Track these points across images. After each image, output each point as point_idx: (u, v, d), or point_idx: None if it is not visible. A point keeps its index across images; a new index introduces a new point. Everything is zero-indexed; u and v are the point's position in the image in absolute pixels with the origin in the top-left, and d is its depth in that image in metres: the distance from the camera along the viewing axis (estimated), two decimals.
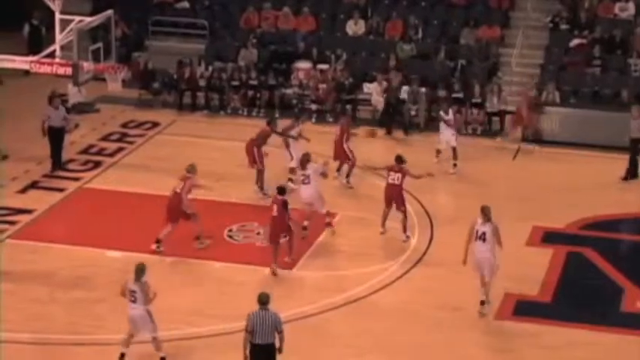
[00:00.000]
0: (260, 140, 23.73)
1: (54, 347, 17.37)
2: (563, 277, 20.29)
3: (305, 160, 21.99)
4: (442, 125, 25.91)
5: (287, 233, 20.35)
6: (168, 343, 17.41)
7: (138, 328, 16.81)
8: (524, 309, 18.99)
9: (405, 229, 21.62)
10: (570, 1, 31.47)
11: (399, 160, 21.78)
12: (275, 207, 20.19)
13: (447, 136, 25.75)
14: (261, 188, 23.63)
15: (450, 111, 26.04)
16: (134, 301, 16.59)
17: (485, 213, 18.60)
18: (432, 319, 18.52)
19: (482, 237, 18.44)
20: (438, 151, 25.88)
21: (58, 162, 25.00)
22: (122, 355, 16.85)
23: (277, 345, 15.62)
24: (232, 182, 24.30)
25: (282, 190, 20.41)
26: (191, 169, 21.04)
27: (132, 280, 16.64)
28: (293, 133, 24.25)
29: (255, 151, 23.57)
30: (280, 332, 15.61)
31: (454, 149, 25.50)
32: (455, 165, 25.43)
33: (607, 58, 29.92)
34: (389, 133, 28.29)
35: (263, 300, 15.66)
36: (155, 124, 28.36)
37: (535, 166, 25.79)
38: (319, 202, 21.85)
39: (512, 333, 18.28)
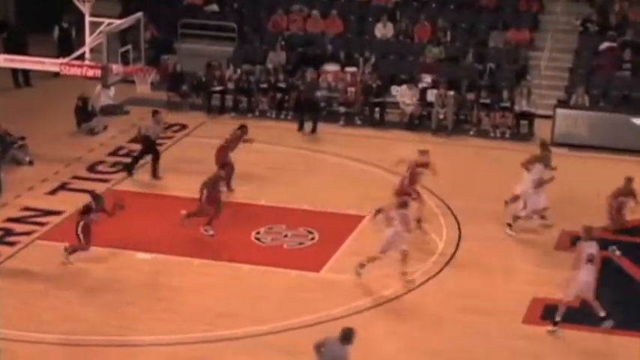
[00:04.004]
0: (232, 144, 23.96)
1: (84, 348, 17.44)
2: None
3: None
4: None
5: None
6: (196, 345, 17.48)
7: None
8: (553, 313, 18.89)
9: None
10: (601, 4, 31.37)
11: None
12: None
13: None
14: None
15: None
16: None
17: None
18: (460, 322, 18.46)
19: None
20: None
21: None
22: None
23: None
24: (260, 184, 24.36)
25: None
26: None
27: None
28: None
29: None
30: None
31: None
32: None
33: (637, 61, 29.77)
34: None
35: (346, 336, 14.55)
36: (183, 127, 28.44)
37: (564, 170, 25.63)
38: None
39: (540, 337, 18.20)
